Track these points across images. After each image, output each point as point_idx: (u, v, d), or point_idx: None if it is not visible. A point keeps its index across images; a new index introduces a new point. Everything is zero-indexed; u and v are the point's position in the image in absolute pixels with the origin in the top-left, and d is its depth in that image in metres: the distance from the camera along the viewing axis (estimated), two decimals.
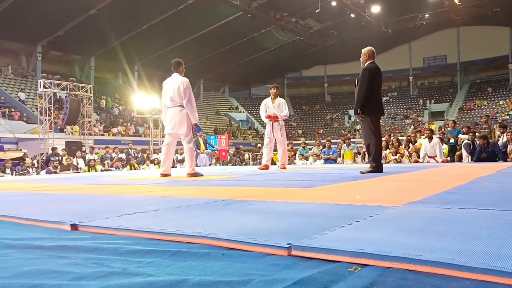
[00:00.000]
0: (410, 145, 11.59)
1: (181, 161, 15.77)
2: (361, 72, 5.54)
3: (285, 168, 8.07)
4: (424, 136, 11.44)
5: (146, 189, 3.97)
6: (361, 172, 5.37)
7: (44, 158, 13.90)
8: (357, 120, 5.64)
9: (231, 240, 1.35)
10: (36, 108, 20.17)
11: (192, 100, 5.85)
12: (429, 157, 10.66)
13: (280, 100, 8.37)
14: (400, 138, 13.97)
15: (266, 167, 8.13)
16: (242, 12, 29.24)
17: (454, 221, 1.64)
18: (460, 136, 11.09)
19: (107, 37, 27.69)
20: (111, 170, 12.99)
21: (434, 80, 42.79)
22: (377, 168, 5.43)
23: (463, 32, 38.80)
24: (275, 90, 8.41)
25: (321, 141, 16.18)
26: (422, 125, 33.66)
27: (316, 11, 28.03)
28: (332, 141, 14.59)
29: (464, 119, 33.94)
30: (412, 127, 32.79)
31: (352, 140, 14.64)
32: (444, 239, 1.28)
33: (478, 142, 9.91)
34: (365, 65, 5.60)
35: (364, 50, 5.72)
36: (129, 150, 16.47)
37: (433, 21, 34.85)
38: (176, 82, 5.86)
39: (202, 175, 5.87)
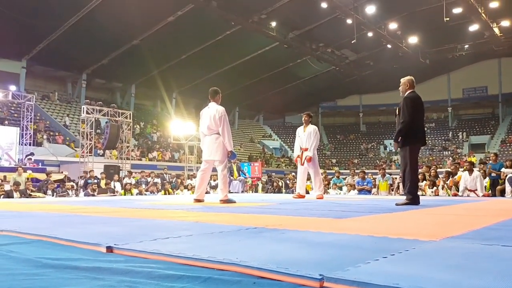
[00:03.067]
0: (450, 177, 11.18)
1: (214, 187, 15.86)
2: (403, 101, 5.42)
3: (322, 197, 7.90)
4: (462, 169, 11.04)
5: (179, 214, 4.01)
6: (397, 204, 5.23)
7: (83, 181, 14.37)
8: (394, 149, 5.56)
9: (262, 268, 1.34)
10: (78, 133, 21.03)
11: (227, 128, 5.99)
12: (469, 190, 10.24)
13: (311, 128, 8.12)
14: (438, 170, 13.52)
15: (300, 196, 8.04)
16: (278, 42, 29.75)
17: (496, 258, 1.56)
18: (503, 170, 10.63)
19: (148, 66, 28.80)
20: (146, 194, 13.23)
21: (474, 111, 41.54)
22: (413, 200, 5.26)
23: (505, 63, 37.70)
24: (306, 117, 8.21)
25: (356, 171, 15.91)
26: (461, 158, 32.51)
27: (352, 42, 28.14)
28: (366, 171, 14.31)
29: (506, 152, 32.55)
30: (451, 159, 31.74)
31: (387, 171, 14.32)
32: (485, 277, 1.22)
33: None
34: (406, 94, 5.49)
35: (403, 80, 5.60)
36: (164, 175, 16.77)
37: (473, 52, 34.12)
38: (213, 110, 6.04)
39: (234, 202, 5.89)
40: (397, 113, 5.50)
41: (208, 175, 6.46)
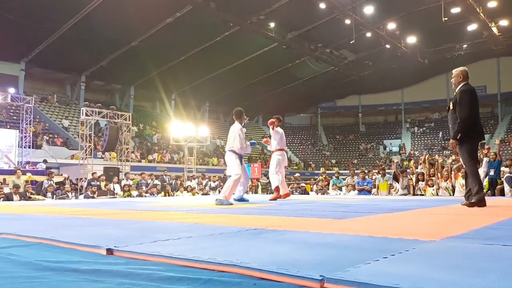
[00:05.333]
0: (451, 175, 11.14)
1: (214, 189, 15.87)
2: (459, 94, 5.01)
3: (274, 198, 7.70)
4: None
5: (179, 216, 4.01)
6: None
7: (85, 183, 14.40)
8: (451, 148, 5.11)
9: (262, 270, 1.34)
10: (78, 135, 21.02)
11: (241, 144, 6.33)
12: None
13: (276, 130, 8.18)
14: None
15: (280, 196, 7.96)
16: (277, 43, 29.76)
17: (496, 258, 1.56)
18: (502, 169, 10.63)
19: (146, 67, 28.76)
20: (145, 196, 13.23)
21: None
22: (481, 203, 4.82)
23: (504, 62, 37.73)
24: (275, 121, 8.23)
25: (355, 171, 15.90)
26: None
27: (351, 42, 28.14)
28: (366, 171, 14.31)
29: (506, 152, 32.57)
30: (454, 156, 31.70)
31: (387, 171, 14.29)
32: (486, 277, 1.22)
33: None
34: (460, 86, 5.10)
35: (456, 71, 5.20)
36: (164, 176, 16.76)
37: (471, 52, 34.13)
38: (231, 129, 6.52)
39: (230, 204, 5.86)
40: (451, 107, 5.06)
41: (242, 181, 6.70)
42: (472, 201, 4.86)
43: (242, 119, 6.65)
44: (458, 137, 4.86)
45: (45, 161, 17.90)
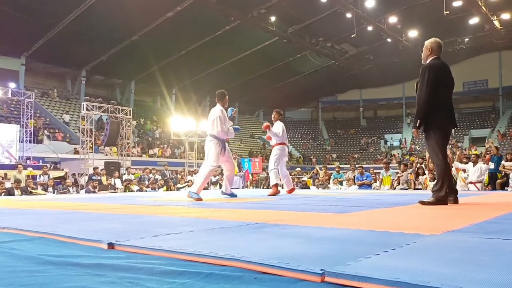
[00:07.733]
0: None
1: (215, 183, 15.89)
2: (420, 72, 4.17)
3: (272, 193, 7.40)
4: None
5: (180, 210, 4.02)
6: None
7: (86, 177, 14.44)
8: (414, 136, 4.30)
9: (263, 264, 1.34)
10: (78, 129, 21.03)
11: (221, 127, 5.98)
12: (470, 183, 10.26)
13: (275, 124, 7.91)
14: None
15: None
16: (278, 37, 29.68)
17: (497, 252, 1.56)
18: (503, 163, 10.61)
19: (147, 62, 28.74)
20: (146, 191, 13.25)
21: (475, 105, 41.48)
22: (439, 201, 4.07)
23: (505, 56, 37.59)
24: (273, 114, 8.04)
25: (356, 165, 15.91)
26: (462, 151, 32.48)
27: (352, 36, 28.05)
28: (366, 166, 14.31)
29: (507, 145, 32.54)
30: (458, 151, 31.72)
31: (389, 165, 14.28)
32: (487, 271, 1.22)
33: None
34: (427, 61, 4.24)
35: (426, 43, 4.41)
36: (165, 171, 16.79)
37: (473, 45, 34.02)
38: (211, 113, 6.15)
39: (200, 200, 5.63)
40: (416, 87, 4.24)
41: (225, 172, 6.52)
42: (429, 200, 4.14)
43: (224, 102, 6.24)
44: (418, 124, 4.10)
45: (55, 163, 18.03)
